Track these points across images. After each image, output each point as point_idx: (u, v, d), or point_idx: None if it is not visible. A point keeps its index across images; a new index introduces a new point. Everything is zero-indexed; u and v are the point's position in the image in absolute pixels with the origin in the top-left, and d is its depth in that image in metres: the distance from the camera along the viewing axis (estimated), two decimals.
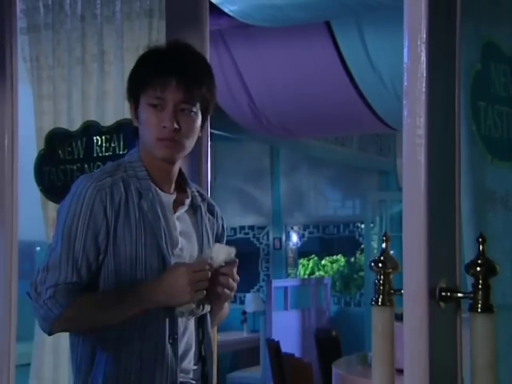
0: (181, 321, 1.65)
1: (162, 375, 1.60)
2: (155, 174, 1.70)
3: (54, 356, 2.58)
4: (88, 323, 1.64)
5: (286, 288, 6.14)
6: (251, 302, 6.60)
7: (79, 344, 1.66)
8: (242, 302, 6.76)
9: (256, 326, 6.42)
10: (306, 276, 7.20)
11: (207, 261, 1.62)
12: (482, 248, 1.19)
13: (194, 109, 1.65)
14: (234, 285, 1.66)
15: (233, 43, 4.05)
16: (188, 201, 1.73)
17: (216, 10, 3.05)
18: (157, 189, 1.69)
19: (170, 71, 1.64)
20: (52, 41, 2.55)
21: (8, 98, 2.43)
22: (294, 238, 7.42)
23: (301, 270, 7.38)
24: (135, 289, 1.61)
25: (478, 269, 1.18)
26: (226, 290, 1.64)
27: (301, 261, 7.42)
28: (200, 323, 1.71)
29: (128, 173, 1.68)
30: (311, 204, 7.42)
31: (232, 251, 1.65)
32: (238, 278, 1.67)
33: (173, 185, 1.73)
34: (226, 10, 3.13)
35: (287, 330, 5.80)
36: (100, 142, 2.51)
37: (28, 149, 2.60)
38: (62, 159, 2.58)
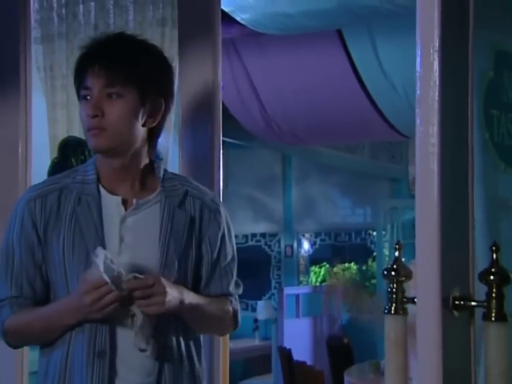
0: (115, 334, 1.53)
1: None
2: (106, 176, 1.60)
3: None
4: (27, 337, 1.63)
5: (297, 295, 6.13)
6: (263, 309, 6.59)
7: (40, 354, 1.64)
8: (254, 310, 6.75)
9: (268, 333, 6.41)
10: (318, 284, 7.19)
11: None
12: (496, 257, 1.18)
13: (122, 93, 1.53)
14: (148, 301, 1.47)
15: (245, 51, 4.07)
16: (136, 202, 1.58)
17: (227, 19, 3.06)
18: (103, 191, 1.59)
19: (91, 59, 1.56)
20: (65, 50, 2.57)
21: (22, 107, 2.45)
22: (306, 245, 7.41)
23: (312, 277, 7.36)
24: (55, 306, 1.57)
25: (492, 277, 1.17)
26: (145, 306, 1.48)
27: (313, 268, 7.40)
28: (157, 333, 1.54)
29: (76, 178, 1.61)
30: (322, 212, 7.41)
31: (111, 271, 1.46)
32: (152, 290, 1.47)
33: (130, 185, 1.60)
34: (238, 18, 3.15)
35: (298, 337, 5.79)
36: None
37: (41, 157, 2.61)
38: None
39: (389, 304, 1.28)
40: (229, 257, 1.68)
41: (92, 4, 2.50)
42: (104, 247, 1.53)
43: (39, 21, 2.61)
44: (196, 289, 1.63)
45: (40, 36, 2.61)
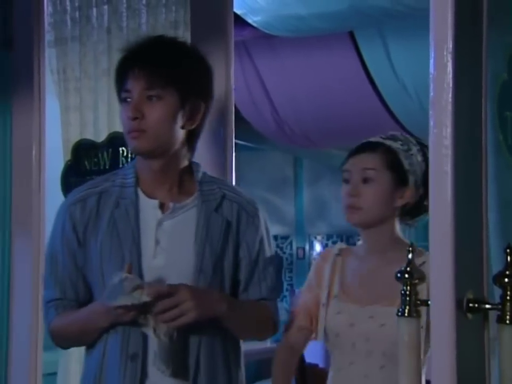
0: (151, 338, 1.52)
1: None
2: (145, 178, 1.62)
3: (80, 365, 2.59)
4: (69, 338, 1.66)
5: None
6: None
7: (84, 354, 1.68)
8: None
9: (280, 335, 6.40)
10: None
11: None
12: (510, 259, 1.18)
13: (162, 95, 1.54)
14: (173, 313, 1.46)
15: (257, 53, 4.07)
16: (173, 205, 1.59)
17: (240, 22, 3.08)
18: (141, 195, 1.60)
19: (131, 61, 1.57)
20: (78, 53, 2.58)
21: (36, 110, 2.47)
22: (318, 247, 7.39)
23: None
24: (90, 308, 1.60)
25: (506, 280, 1.17)
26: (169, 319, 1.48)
27: None
28: (193, 340, 1.56)
29: (116, 182, 1.63)
30: (334, 214, 7.39)
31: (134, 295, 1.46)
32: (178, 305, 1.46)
33: (169, 188, 1.61)
34: (250, 21, 3.16)
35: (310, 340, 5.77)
36: (125, 153, 2.53)
37: (55, 160, 2.63)
38: (88, 170, 2.60)
39: (402, 307, 1.27)
40: (268, 261, 1.68)
41: (105, 7, 2.52)
42: (140, 251, 1.55)
43: (52, 24, 2.62)
44: (234, 293, 1.64)
45: (54, 39, 2.63)
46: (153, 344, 1.52)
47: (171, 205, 1.60)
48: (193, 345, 1.56)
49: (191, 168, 1.66)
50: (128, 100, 1.57)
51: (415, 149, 1.76)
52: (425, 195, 1.74)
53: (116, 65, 1.62)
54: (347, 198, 1.78)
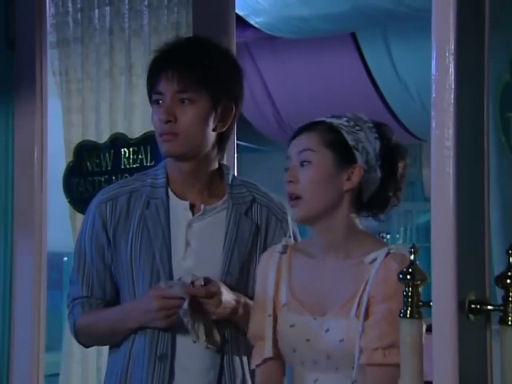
0: (176, 339, 1.55)
1: None
2: (175, 179, 1.62)
3: (82, 366, 2.60)
4: (95, 337, 1.66)
5: None
6: None
7: (108, 354, 1.68)
8: None
9: None
10: None
11: (187, 284, 1.50)
12: None
13: (194, 98, 1.54)
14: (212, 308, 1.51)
15: (259, 55, 4.08)
16: (203, 207, 1.60)
17: (242, 23, 3.08)
18: (172, 195, 1.61)
19: (164, 63, 1.57)
20: (80, 55, 2.59)
21: (38, 111, 2.47)
22: None
23: None
24: (120, 307, 1.60)
25: (508, 281, 1.16)
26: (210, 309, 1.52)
27: None
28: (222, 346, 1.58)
29: (146, 182, 1.63)
30: None
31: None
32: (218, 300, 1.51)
33: (199, 190, 1.62)
34: (252, 22, 3.16)
35: None
36: (127, 154, 2.53)
37: (57, 161, 2.63)
38: (90, 171, 2.61)
39: (404, 308, 1.27)
40: None
41: (107, 8, 2.52)
42: (170, 252, 1.56)
43: (54, 25, 2.63)
44: None
45: (56, 40, 2.63)
46: (181, 345, 1.54)
47: (201, 206, 1.61)
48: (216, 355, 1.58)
49: (221, 171, 1.67)
50: (160, 102, 1.57)
51: (364, 125, 1.52)
52: (388, 183, 1.56)
53: (149, 65, 1.62)
54: (287, 186, 1.51)
